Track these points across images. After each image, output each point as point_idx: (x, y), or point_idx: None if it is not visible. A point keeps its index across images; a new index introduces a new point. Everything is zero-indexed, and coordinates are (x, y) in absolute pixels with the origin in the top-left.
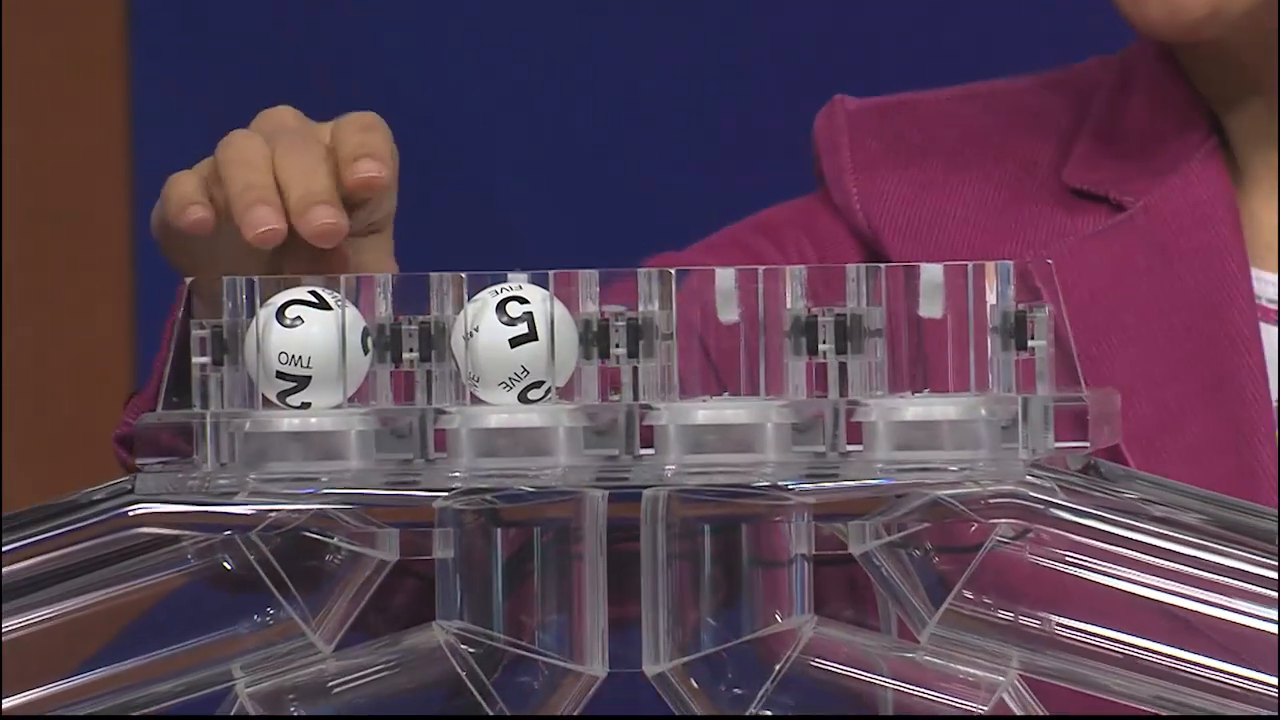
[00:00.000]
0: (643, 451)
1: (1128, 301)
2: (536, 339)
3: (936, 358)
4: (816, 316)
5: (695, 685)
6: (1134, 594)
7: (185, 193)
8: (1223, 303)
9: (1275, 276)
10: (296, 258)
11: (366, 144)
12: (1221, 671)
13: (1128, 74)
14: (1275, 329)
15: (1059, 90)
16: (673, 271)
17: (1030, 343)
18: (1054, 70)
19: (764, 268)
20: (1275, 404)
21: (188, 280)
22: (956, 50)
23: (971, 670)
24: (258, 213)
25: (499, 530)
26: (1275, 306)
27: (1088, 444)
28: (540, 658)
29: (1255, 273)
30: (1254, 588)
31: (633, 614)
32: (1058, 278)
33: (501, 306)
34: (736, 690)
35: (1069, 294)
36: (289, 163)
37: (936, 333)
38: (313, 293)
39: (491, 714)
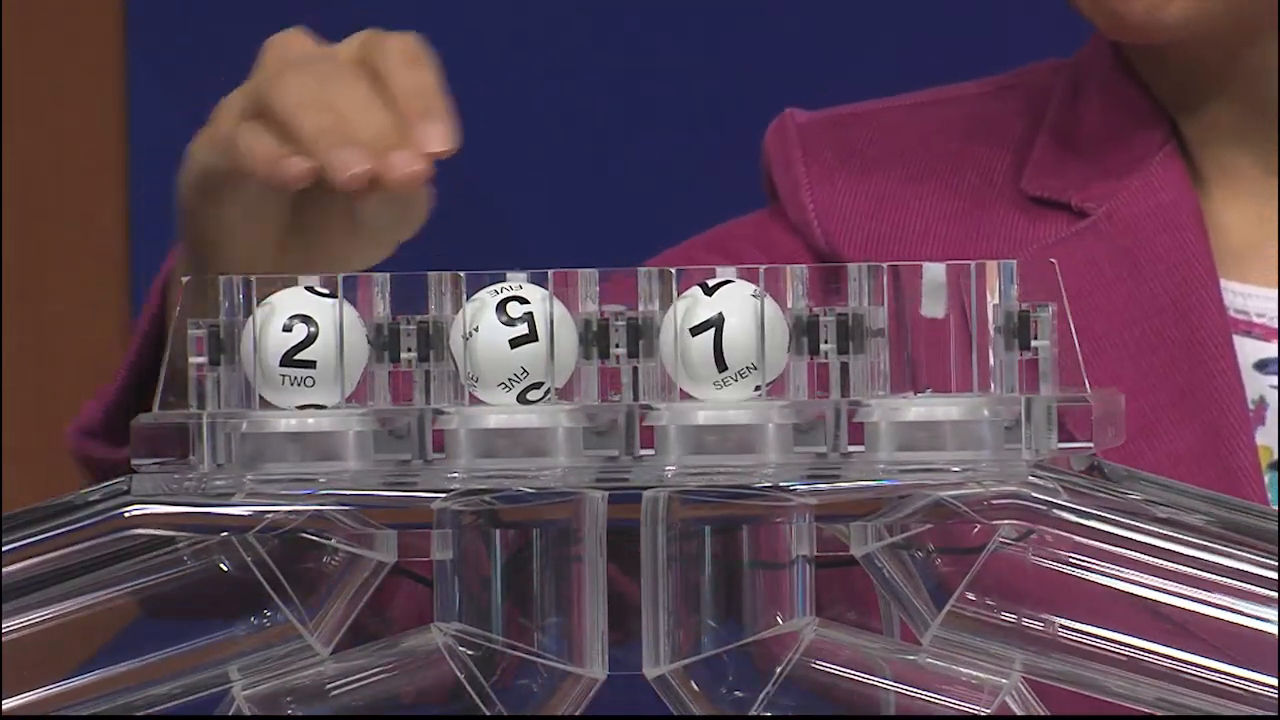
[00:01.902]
0: (643, 452)
1: (1096, 309)
2: (536, 339)
3: (938, 358)
4: (818, 316)
5: (696, 688)
6: (1138, 595)
7: (269, 145)
8: (1193, 308)
9: (1244, 287)
10: (320, 212)
11: (423, 89)
12: (1224, 674)
13: (1080, 78)
14: (1273, 345)
15: (1011, 96)
16: (674, 271)
17: (1033, 343)
18: (1003, 75)
19: (765, 266)
20: (1274, 412)
21: (183, 279)
22: (951, 51)
23: (974, 673)
24: (345, 154)
25: (498, 532)
26: (1245, 318)
27: (1091, 445)
28: (539, 660)
29: (1223, 283)
30: (1257, 589)
31: (632, 616)
32: (1024, 287)
33: (501, 306)
34: (737, 693)
35: None
36: (347, 101)
37: (939, 332)
38: (310, 289)
39: (490, 716)
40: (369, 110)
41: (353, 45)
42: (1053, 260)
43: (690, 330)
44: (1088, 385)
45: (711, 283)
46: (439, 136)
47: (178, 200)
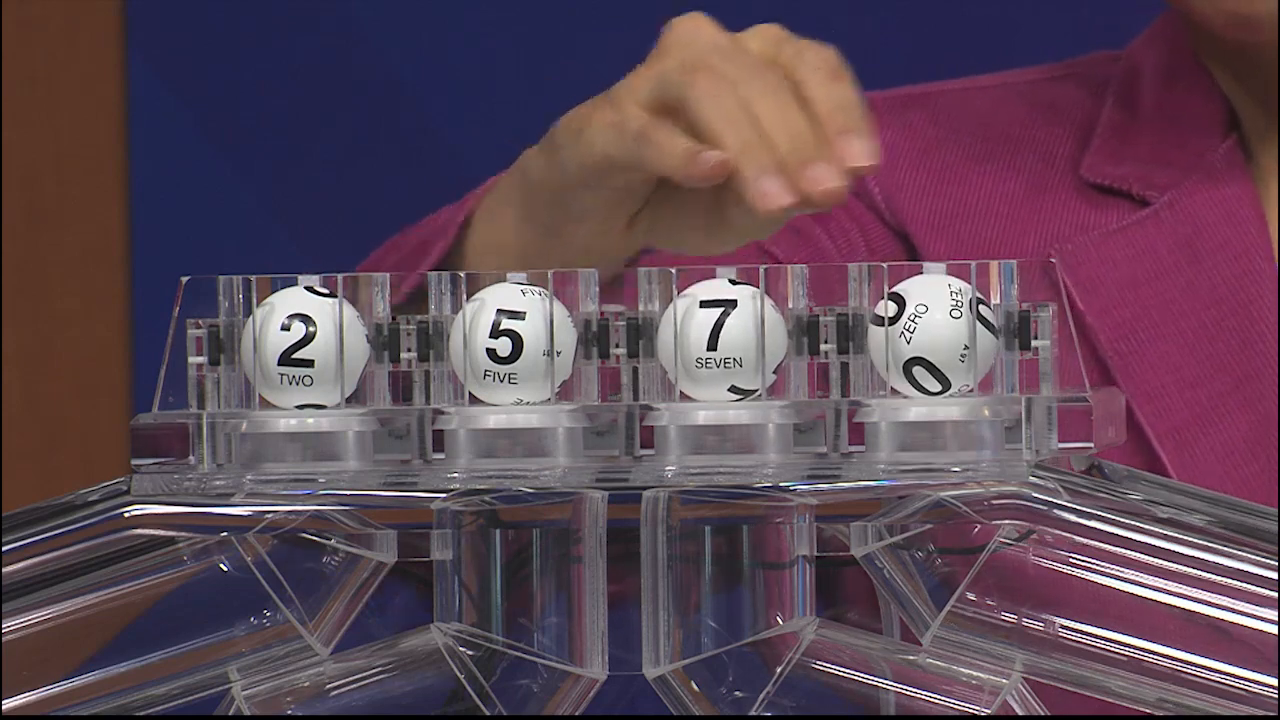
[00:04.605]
0: (643, 452)
1: (1155, 298)
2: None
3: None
4: (818, 316)
5: (696, 688)
6: (1138, 595)
7: (685, 142)
8: (1252, 300)
9: None
10: (681, 210)
11: (845, 103)
12: (1224, 674)
13: (1137, 70)
14: None
15: (1069, 84)
16: (673, 271)
17: (1034, 342)
18: (1057, 64)
19: (765, 266)
20: None
21: (183, 279)
22: (965, 45)
23: (975, 673)
24: (767, 183)
25: (498, 532)
26: None
27: (1091, 445)
28: (539, 660)
29: None
30: (1258, 589)
31: (633, 615)
32: (1082, 272)
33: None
34: (737, 693)
35: (1095, 289)
36: (767, 110)
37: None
38: (309, 289)
39: (490, 716)
40: (787, 118)
41: (764, 43)
42: (1053, 260)
43: (701, 301)
44: (1088, 385)
45: (737, 278)
46: (863, 152)
47: (537, 171)
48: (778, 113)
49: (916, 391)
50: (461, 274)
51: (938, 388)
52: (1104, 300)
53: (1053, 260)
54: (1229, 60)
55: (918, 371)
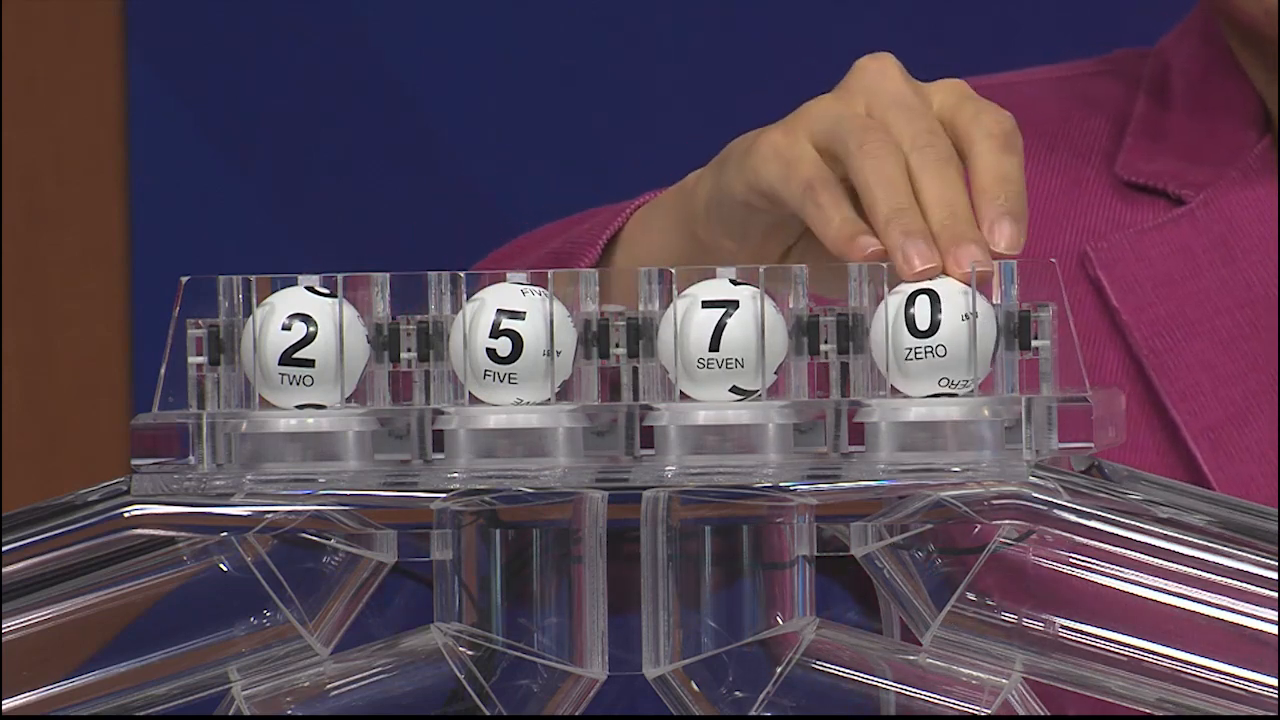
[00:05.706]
0: (643, 452)
1: (1191, 296)
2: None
3: None
4: (818, 316)
5: (696, 688)
6: (1138, 595)
7: (848, 215)
8: None
9: None
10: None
11: (1007, 179)
12: (1224, 674)
13: (1169, 67)
14: None
15: (1106, 78)
16: (673, 271)
17: (1034, 343)
18: (1095, 59)
19: (765, 266)
20: None
21: (183, 279)
22: (967, 45)
23: (975, 673)
24: (916, 247)
25: (498, 532)
26: None
27: (1092, 445)
28: (539, 660)
29: None
30: (1258, 589)
31: (633, 616)
32: (1118, 270)
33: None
34: (737, 693)
35: (1131, 286)
36: (929, 183)
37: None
38: (310, 289)
39: (490, 716)
40: (946, 194)
41: (947, 98)
42: (1053, 260)
43: (703, 302)
44: (1088, 385)
45: (738, 278)
46: (1009, 239)
47: (705, 186)
48: (939, 187)
49: (908, 333)
50: (461, 274)
51: (926, 325)
52: (1139, 298)
53: (1052, 260)
54: (1266, 58)
55: (919, 301)
